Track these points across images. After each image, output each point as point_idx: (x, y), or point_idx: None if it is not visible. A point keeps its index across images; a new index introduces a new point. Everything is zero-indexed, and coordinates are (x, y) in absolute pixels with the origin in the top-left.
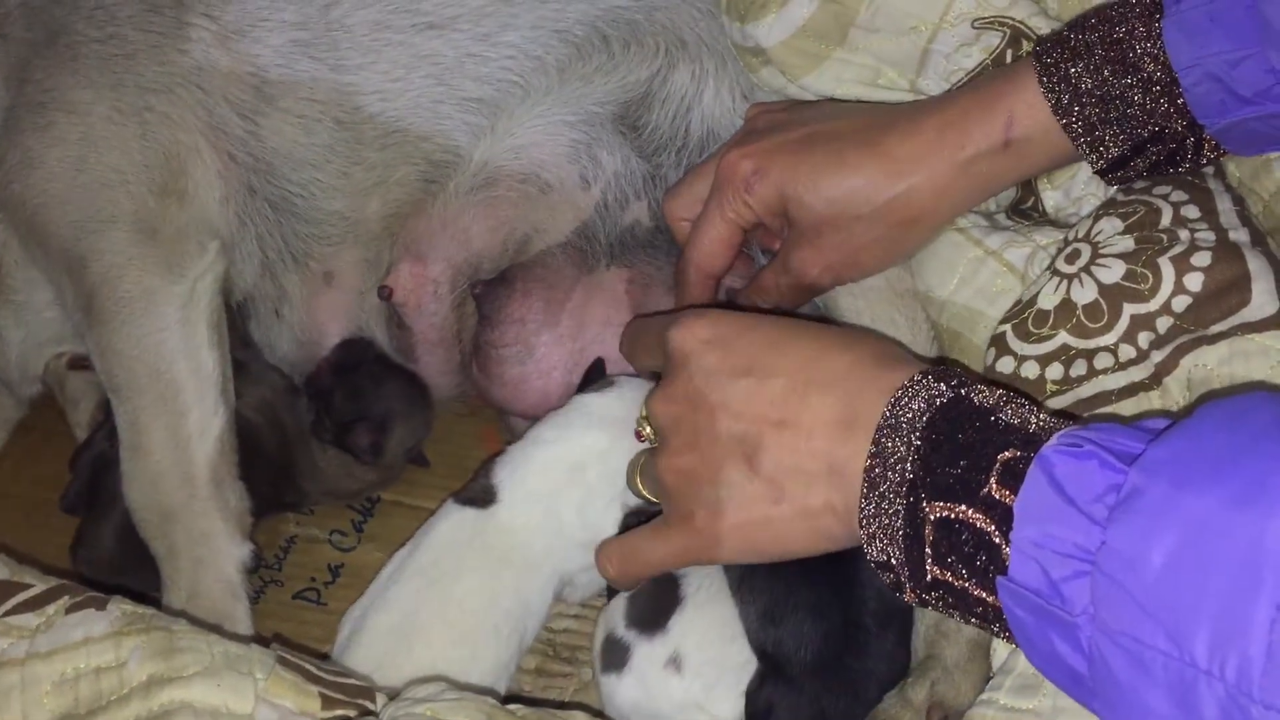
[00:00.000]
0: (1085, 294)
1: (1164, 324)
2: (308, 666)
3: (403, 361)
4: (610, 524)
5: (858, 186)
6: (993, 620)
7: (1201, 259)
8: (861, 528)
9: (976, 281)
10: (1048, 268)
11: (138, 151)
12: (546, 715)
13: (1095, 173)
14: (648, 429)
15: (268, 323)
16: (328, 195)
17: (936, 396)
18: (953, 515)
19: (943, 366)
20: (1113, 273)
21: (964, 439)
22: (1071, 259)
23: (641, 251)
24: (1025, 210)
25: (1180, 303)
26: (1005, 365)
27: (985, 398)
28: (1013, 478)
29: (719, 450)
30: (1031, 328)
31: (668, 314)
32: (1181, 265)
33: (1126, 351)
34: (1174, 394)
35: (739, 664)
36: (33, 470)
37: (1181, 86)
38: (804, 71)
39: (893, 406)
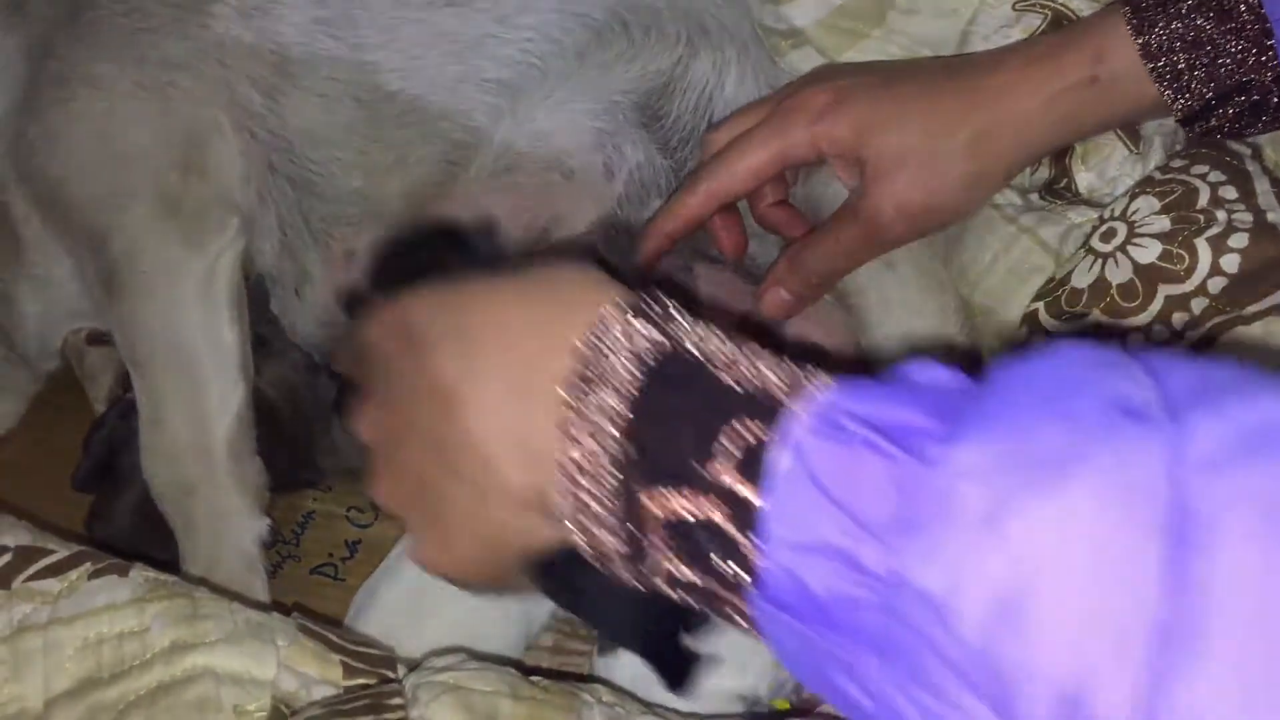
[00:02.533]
0: (1120, 273)
1: (1199, 305)
2: (330, 635)
3: None
4: None
5: (950, 110)
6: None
7: (1238, 240)
8: (562, 516)
9: (1009, 258)
10: (1082, 246)
11: (160, 126)
12: (568, 686)
13: (1177, 121)
14: None
15: (288, 303)
16: (347, 173)
17: (642, 349)
18: (676, 505)
19: (641, 296)
20: (1149, 252)
21: (679, 403)
22: (1107, 238)
23: None
24: (1058, 190)
25: (1216, 284)
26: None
27: (700, 341)
28: (752, 461)
29: (416, 452)
30: (1065, 306)
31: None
32: (1218, 246)
33: (1160, 332)
34: None
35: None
36: (51, 443)
37: (1273, 38)
38: (843, 49)
39: (585, 360)
